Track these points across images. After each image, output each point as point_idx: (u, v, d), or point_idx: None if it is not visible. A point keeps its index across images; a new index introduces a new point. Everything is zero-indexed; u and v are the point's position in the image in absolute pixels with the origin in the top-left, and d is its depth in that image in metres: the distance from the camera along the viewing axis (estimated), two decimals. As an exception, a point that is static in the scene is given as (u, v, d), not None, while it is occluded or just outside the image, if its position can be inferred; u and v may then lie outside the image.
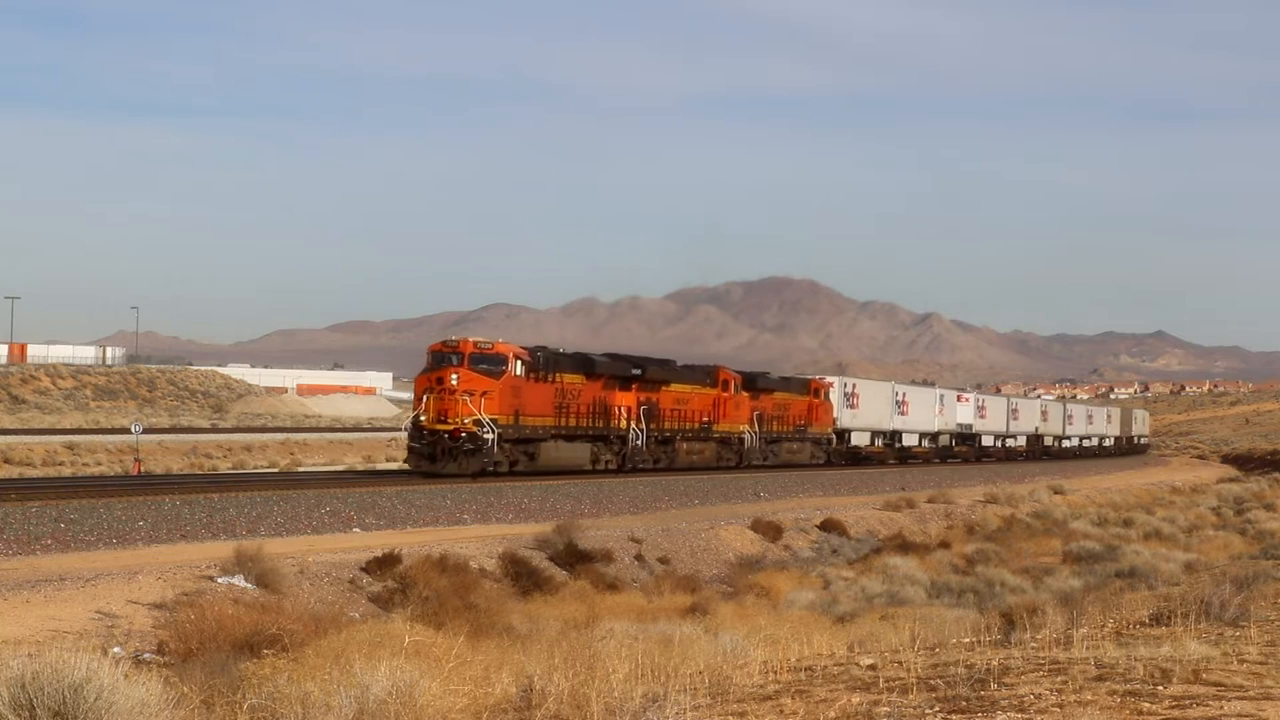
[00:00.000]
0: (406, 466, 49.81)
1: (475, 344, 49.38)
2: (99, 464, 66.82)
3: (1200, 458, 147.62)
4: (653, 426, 58.60)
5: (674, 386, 61.21)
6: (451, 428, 47.33)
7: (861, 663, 13.14)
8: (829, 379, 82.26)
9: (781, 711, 10.83)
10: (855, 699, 11.07)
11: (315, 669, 11.77)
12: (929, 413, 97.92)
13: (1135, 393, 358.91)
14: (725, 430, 65.52)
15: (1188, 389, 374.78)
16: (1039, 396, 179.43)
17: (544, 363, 51.25)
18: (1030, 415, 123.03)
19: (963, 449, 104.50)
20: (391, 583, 24.14)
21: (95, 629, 18.67)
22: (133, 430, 66.15)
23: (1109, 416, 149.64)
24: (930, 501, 54.02)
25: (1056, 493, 65.05)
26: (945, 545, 41.31)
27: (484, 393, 47.57)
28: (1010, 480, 70.90)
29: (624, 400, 56.78)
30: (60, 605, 19.57)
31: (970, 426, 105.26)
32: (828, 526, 43.03)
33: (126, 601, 20.28)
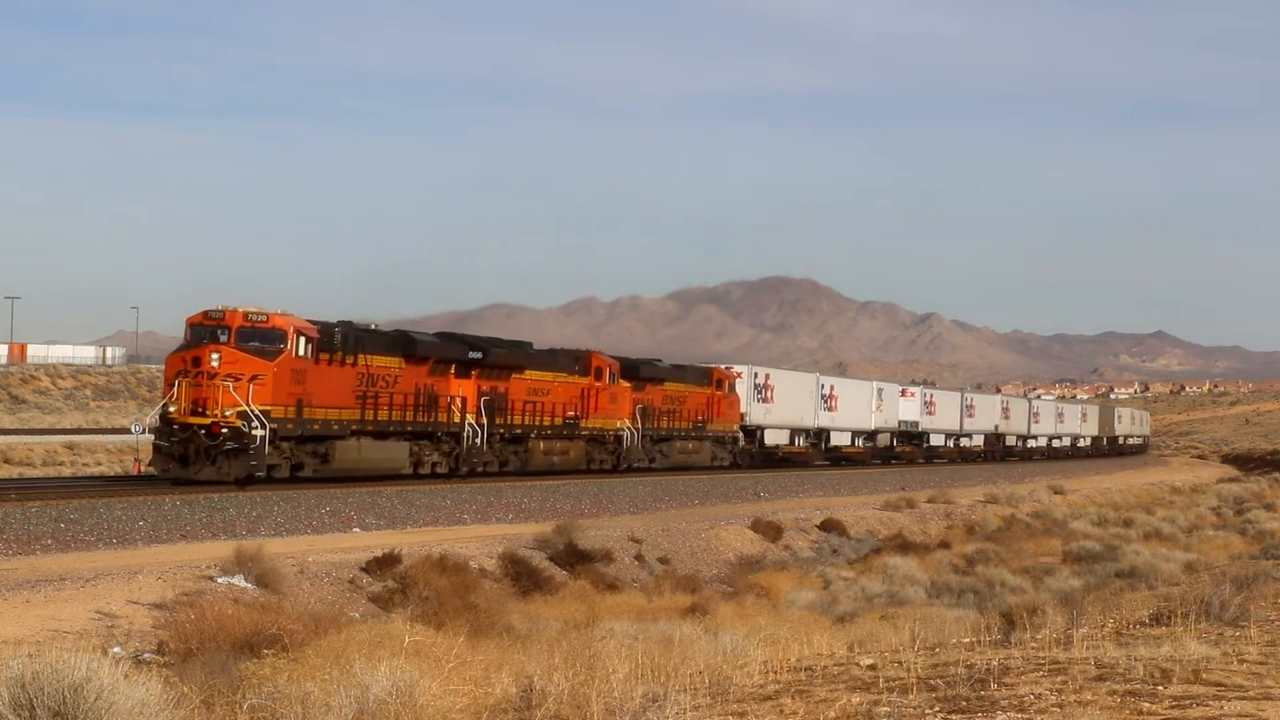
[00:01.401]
0: (153, 471, 40.61)
1: (245, 315, 40.03)
2: (99, 464, 66.80)
3: (1200, 458, 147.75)
4: (498, 422, 49.70)
5: (529, 374, 51.91)
6: (209, 422, 38.29)
7: (861, 663, 13.14)
8: (736, 368, 71.52)
9: (781, 711, 10.83)
10: (855, 699, 11.07)
11: (315, 669, 11.77)
12: (864, 408, 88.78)
13: (1135, 392, 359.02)
14: (598, 426, 56.48)
15: (1188, 389, 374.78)
16: (1038, 396, 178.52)
17: (342, 341, 42.17)
18: (988, 412, 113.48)
19: (907, 449, 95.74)
20: (391, 583, 24.14)
21: (95, 629, 18.67)
22: (133, 430, 66.04)
23: (1084, 415, 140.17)
24: (930, 501, 54.05)
25: (1056, 493, 65.11)
26: (945, 545, 41.33)
27: (254, 377, 38.77)
28: (1010, 480, 70.97)
29: (459, 389, 47.73)
30: (60, 605, 19.57)
31: (916, 424, 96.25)
32: (828, 526, 43.05)
33: (126, 601, 20.28)
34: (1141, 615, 17.51)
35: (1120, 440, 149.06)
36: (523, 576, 27.48)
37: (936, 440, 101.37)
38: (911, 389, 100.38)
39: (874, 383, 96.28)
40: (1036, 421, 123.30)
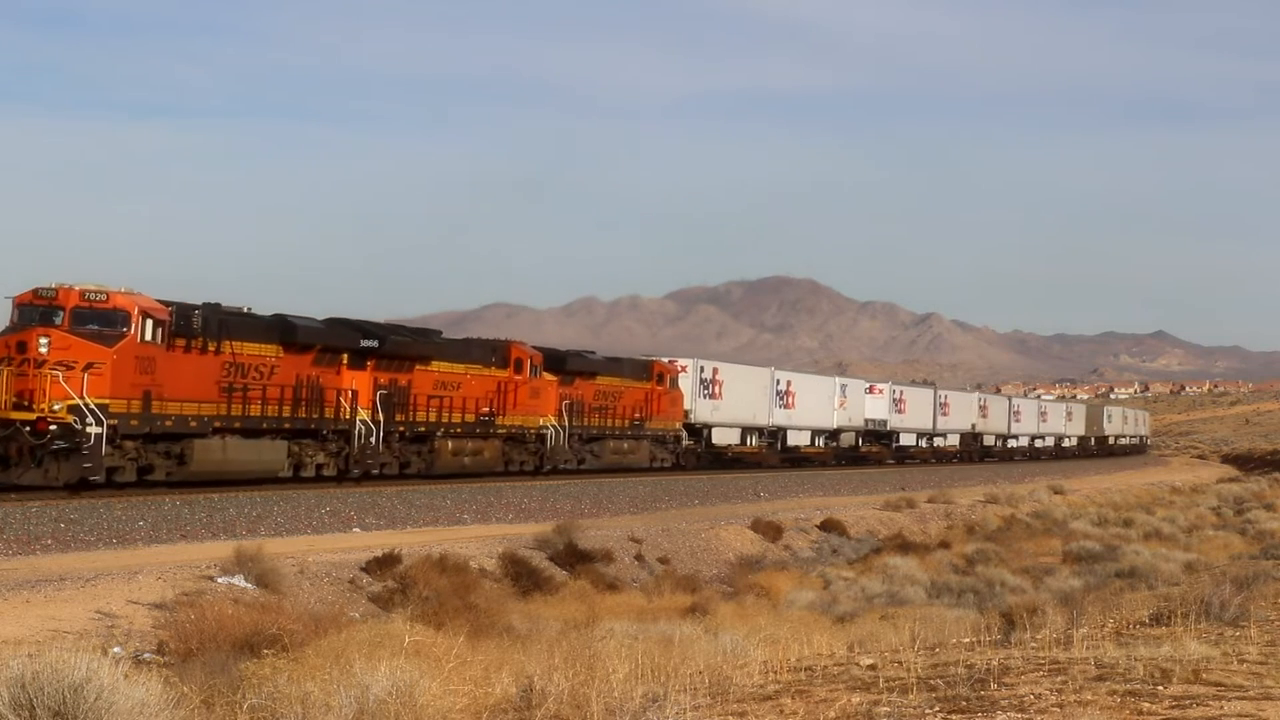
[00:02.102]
0: None
1: (82, 294, 35.14)
2: None
3: (1200, 458, 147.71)
4: (399, 419, 45.18)
5: (436, 365, 47.27)
6: (34, 417, 33.46)
7: (861, 663, 13.14)
8: (682, 362, 66.27)
9: (781, 711, 10.83)
10: (855, 699, 11.07)
11: (315, 669, 11.77)
12: (825, 406, 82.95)
13: (1135, 392, 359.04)
14: (516, 424, 51.84)
15: (1188, 389, 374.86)
16: (1038, 396, 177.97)
17: (203, 325, 37.04)
18: (964, 411, 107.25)
19: (875, 449, 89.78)
20: (391, 583, 24.14)
21: (95, 629, 18.66)
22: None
23: (1069, 414, 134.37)
24: (930, 501, 54.07)
25: (1056, 493, 65.13)
26: (945, 545, 41.34)
27: (90, 365, 33.95)
28: (1010, 480, 71.00)
29: (351, 382, 42.94)
30: (60, 605, 19.57)
31: (885, 423, 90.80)
32: (828, 526, 43.06)
33: (126, 601, 20.28)
34: (1141, 615, 17.51)
35: (1111, 440, 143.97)
36: (523, 576, 27.48)
37: (907, 440, 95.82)
38: (880, 385, 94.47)
39: (836, 379, 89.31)
40: (1017, 420, 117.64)
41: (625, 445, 59.05)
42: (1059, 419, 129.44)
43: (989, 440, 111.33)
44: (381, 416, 43.90)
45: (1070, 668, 12.01)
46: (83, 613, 19.41)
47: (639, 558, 33.02)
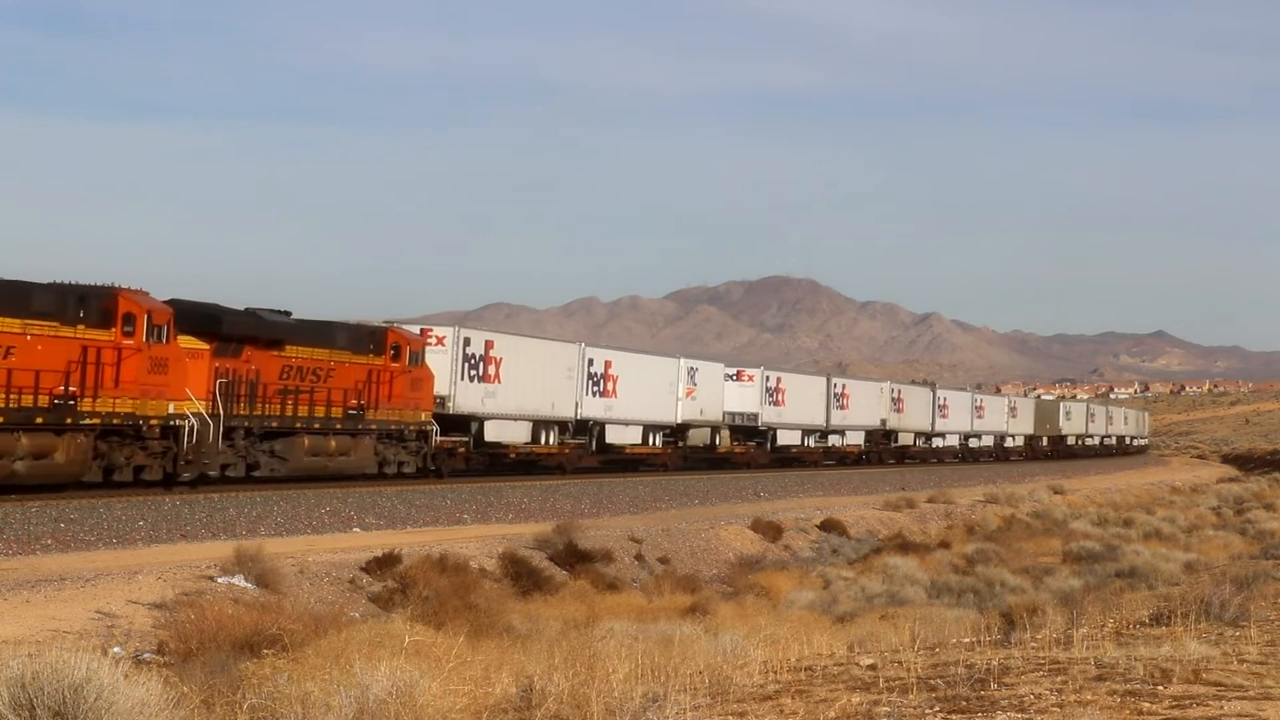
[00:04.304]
0: None
1: None
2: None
3: (1200, 458, 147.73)
4: (243, 412, 39.18)
5: (292, 350, 40.93)
6: None
7: (861, 663, 13.14)
8: (439, 331, 50.84)
9: (781, 711, 10.83)
10: (855, 699, 11.07)
11: (315, 669, 11.77)
12: (664, 395, 66.15)
13: (1135, 392, 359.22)
14: (394, 419, 44.51)
15: (1188, 389, 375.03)
16: (1038, 396, 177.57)
17: None
18: (869, 403, 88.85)
19: (742, 449, 74.58)
20: (391, 583, 24.15)
21: (95, 629, 18.66)
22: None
23: (1013, 409, 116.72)
24: (930, 501, 54.09)
25: (1056, 493, 65.17)
26: (945, 545, 41.34)
27: None
28: (1010, 480, 71.03)
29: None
30: (60, 605, 19.57)
31: (756, 417, 75.10)
32: (828, 526, 43.07)
33: (126, 601, 20.28)
34: (1141, 615, 17.52)
35: (1073, 441, 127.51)
36: (523, 576, 27.49)
37: (788, 438, 79.09)
38: (751, 371, 77.38)
39: (681, 360, 69.88)
40: (944, 416, 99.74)
41: (332, 443, 42.92)
42: (999, 415, 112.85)
43: (905, 439, 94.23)
44: (221, 409, 37.93)
45: (1070, 668, 12.01)
46: (83, 613, 19.41)
47: (639, 557, 33.03)
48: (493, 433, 52.97)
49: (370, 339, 45.57)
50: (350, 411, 43.21)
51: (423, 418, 47.42)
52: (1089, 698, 10.75)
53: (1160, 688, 11.11)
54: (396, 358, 46.19)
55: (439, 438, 48.41)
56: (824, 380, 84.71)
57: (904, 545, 40.46)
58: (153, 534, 28.82)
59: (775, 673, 12.59)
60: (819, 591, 29.98)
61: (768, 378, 77.42)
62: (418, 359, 47.15)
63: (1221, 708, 10.49)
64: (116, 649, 16.65)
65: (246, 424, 39.68)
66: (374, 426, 44.61)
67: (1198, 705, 10.55)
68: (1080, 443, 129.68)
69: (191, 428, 36.86)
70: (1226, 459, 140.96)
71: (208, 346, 38.16)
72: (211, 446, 38.01)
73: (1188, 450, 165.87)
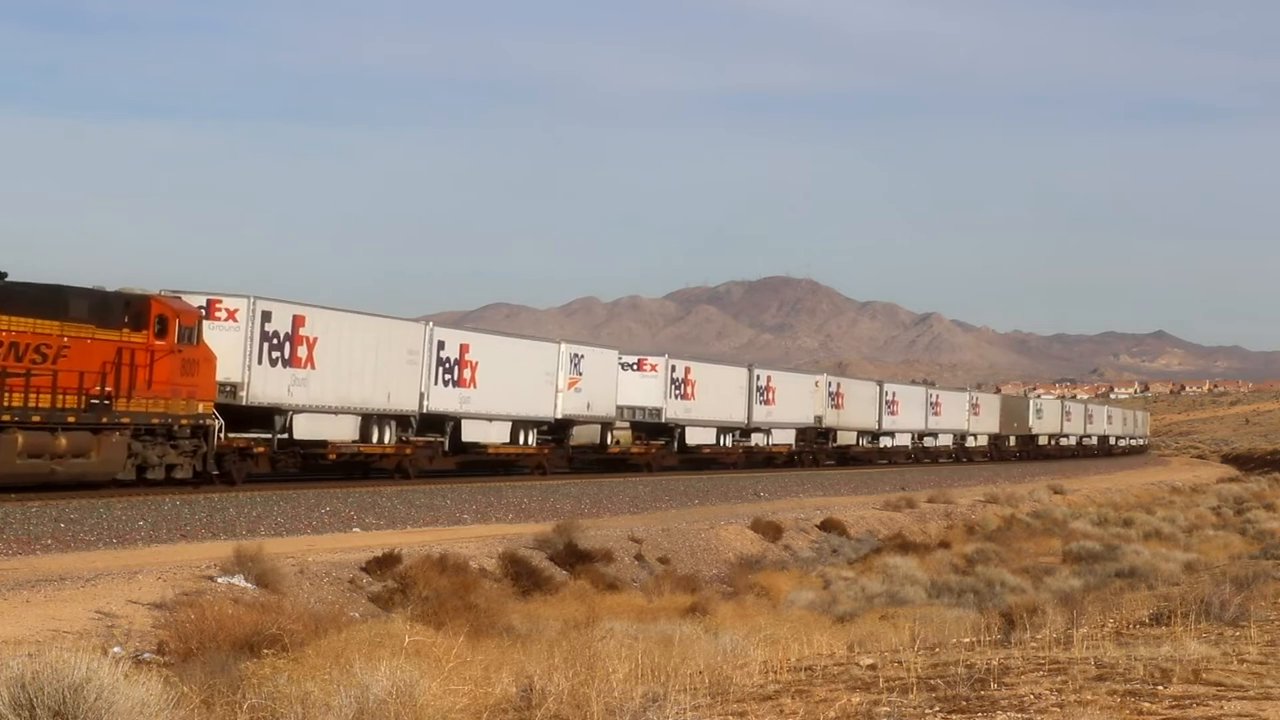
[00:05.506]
0: None
1: None
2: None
3: (1200, 458, 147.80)
4: None
5: (6, 321, 32.56)
6: None
7: (861, 662, 13.14)
8: (230, 303, 41.50)
9: (781, 711, 10.83)
10: (855, 699, 11.07)
11: (315, 669, 11.78)
12: (539, 385, 56.20)
13: (1135, 392, 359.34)
14: (157, 411, 35.96)
15: (1188, 389, 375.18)
16: (1039, 395, 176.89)
17: None
18: (801, 398, 79.36)
19: (644, 449, 65.01)
20: (391, 583, 24.16)
21: (95, 629, 18.67)
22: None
23: (975, 406, 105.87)
24: (930, 501, 54.10)
25: (1056, 493, 65.18)
26: (945, 545, 41.36)
27: None
28: (1010, 480, 71.05)
29: None
30: (60, 605, 19.57)
31: (660, 411, 65.58)
32: (828, 526, 43.08)
33: (126, 601, 20.29)
34: (1141, 615, 17.52)
35: (1046, 441, 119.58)
36: (523, 576, 27.50)
37: (700, 436, 69.41)
38: (654, 360, 67.27)
39: (563, 345, 59.65)
40: (892, 413, 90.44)
41: (63, 441, 33.40)
42: (959, 412, 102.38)
43: (846, 438, 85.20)
44: None
45: (1070, 668, 12.02)
46: (83, 613, 19.41)
47: (639, 557, 33.04)
48: (306, 428, 43.58)
49: (124, 310, 35.70)
50: (92, 401, 34.08)
51: (200, 409, 37.84)
52: (1089, 698, 10.75)
53: (1160, 688, 11.11)
54: (162, 334, 36.45)
55: (226, 435, 39.38)
56: (744, 371, 75.55)
57: (904, 545, 40.48)
58: (153, 534, 28.82)
59: (775, 673, 12.59)
60: (819, 591, 30.00)
61: (673, 367, 67.47)
62: (192, 336, 37.47)
63: (1221, 708, 10.49)
64: (116, 649, 16.64)
65: None
66: (127, 420, 35.07)
67: (1198, 705, 10.55)
68: (1054, 443, 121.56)
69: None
70: (1226, 459, 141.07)
71: None
72: None
73: (1188, 450, 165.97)
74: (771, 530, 39.81)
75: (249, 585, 22.22)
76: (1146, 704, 10.57)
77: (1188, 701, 10.66)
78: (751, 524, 40.01)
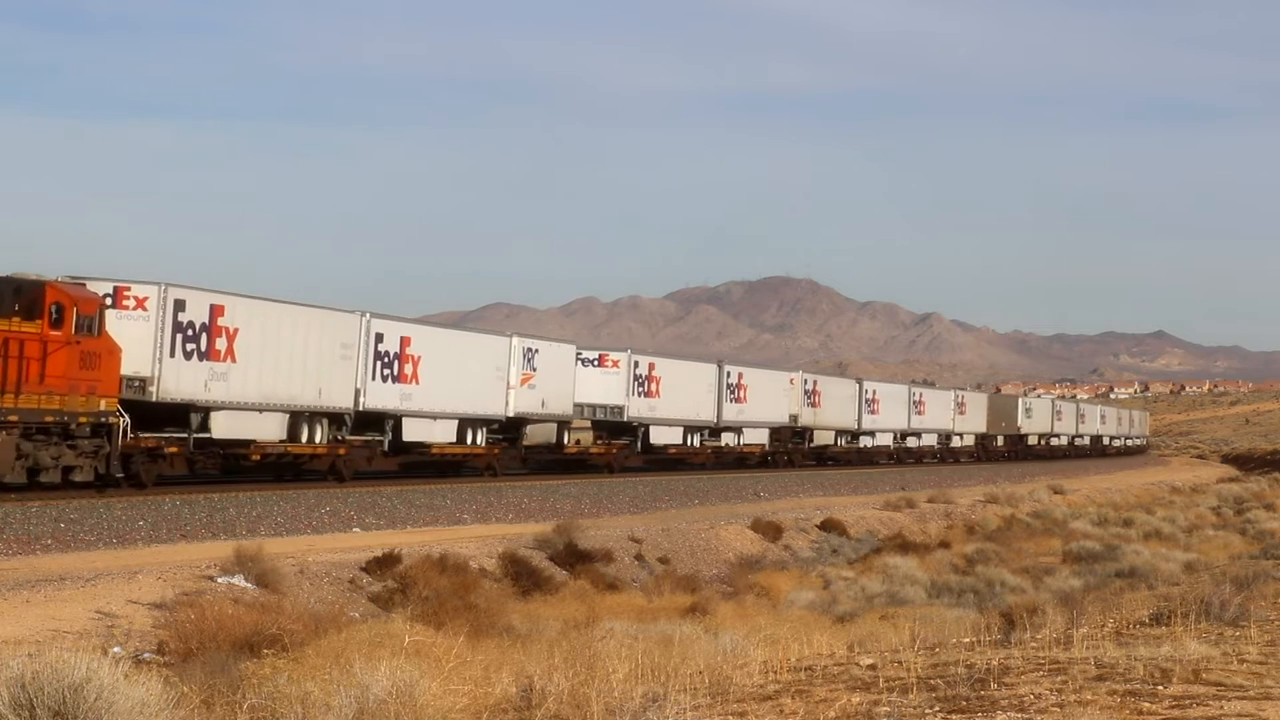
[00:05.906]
0: None
1: None
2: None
3: (1200, 458, 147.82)
4: None
5: None
6: None
7: (861, 663, 13.14)
8: (139, 290, 38.22)
9: (781, 711, 10.83)
10: (855, 699, 11.07)
11: (315, 669, 11.78)
12: (488, 382, 52.60)
13: (1135, 392, 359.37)
14: (51, 408, 32.98)
15: (1188, 389, 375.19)
16: (1038, 395, 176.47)
17: None
18: (773, 396, 74.83)
19: (604, 449, 61.03)
20: (391, 583, 24.16)
21: (95, 629, 18.67)
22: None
23: (960, 404, 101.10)
24: (930, 501, 54.09)
25: (1056, 493, 65.16)
26: (945, 545, 41.35)
27: None
28: (1010, 480, 71.05)
29: None
30: (60, 605, 19.57)
31: (622, 409, 61.80)
32: (828, 526, 43.07)
33: (126, 601, 20.29)
34: (1141, 615, 17.52)
35: (1036, 441, 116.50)
36: (523, 576, 27.51)
37: (665, 436, 65.66)
38: (616, 355, 63.68)
39: (513, 338, 56.33)
40: (872, 411, 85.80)
41: None
42: (943, 411, 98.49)
43: (823, 438, 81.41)
44: None
45: (1070, 668, 12.02)
46: (83, 613, 19.41)
47: (639, 557, 33.04)
48: (226, 427, 40.29)
49: (14, 297, 32.93)
50: None
51: (102, 406, 34.82)
52: (1089, 698, 10.75)
53: (1160, 688, 11.11)
54: (58, 324, 33.34)
55: (134, 434, 36.39)
56: (713, 368, 71.30)
57: (904, 545, 40.47)
58: (153, 534, 28.83)
59: (775, 673, 12.59)
60: (819, 591, 30.00)
61: (636, 363, 63.44)
62: (92, 326, 34.39)
63: (1221, 708, 10.49)
64: (116, 649, 16.64)
65: None
66: (14, 419, 32.07)
67: (1198, 705, 10.55)
68: (1044, 443, 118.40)
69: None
70: (1226, 459, 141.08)
71: None
72: None
73: (1188, 450, 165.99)
74: (771, 530, 39.81)
75: (249, 585, 22.23)
76: (1146, 704, 10.57)
77: (1188, 701, 10.66)
78: (751, 524, 40.01)
